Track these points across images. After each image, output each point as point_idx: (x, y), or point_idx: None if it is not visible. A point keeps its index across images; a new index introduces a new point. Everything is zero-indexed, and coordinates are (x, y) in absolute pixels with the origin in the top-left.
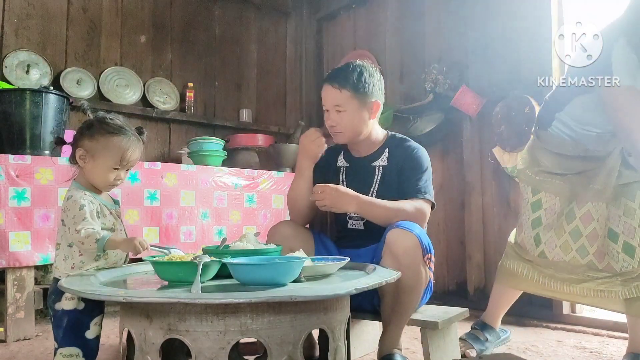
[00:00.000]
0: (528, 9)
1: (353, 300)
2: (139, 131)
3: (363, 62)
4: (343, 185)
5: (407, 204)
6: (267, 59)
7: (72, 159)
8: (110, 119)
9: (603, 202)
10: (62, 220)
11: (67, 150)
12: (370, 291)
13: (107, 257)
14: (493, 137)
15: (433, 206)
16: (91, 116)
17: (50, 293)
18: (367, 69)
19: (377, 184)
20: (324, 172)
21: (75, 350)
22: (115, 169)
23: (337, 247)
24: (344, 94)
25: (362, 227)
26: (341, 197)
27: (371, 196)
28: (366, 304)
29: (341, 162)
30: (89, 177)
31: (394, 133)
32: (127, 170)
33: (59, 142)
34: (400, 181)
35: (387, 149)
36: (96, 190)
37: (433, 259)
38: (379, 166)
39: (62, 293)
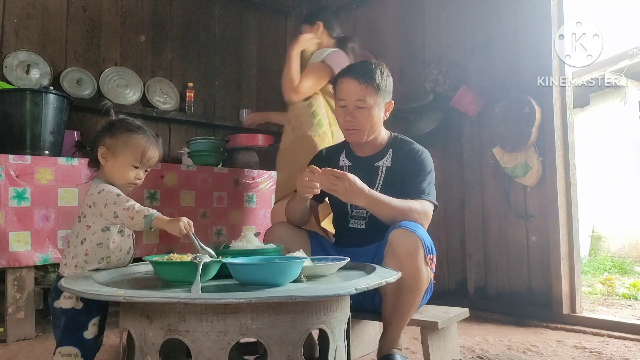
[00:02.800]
0: (528, 9)
1: (353, 300)
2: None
3: (379, 61)
4: None
5: (414, 204)
6: (267, 58)
7: (92, 163)
8: (131, 119)
9: None
10: (79, 217)
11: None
12: (371, 291)
13: (109, 260)
14: (493, 137)
15: (435, 208)
16: (114, 117)
17: (51, 291)
18: (385, 69)
19: (380, 184)
20: None
21: (73, 350)
22: (136, 167)
23: (335, 247)
24: (369, 89)
25: (363, 226)
26: (355, 190)
27: None
28: (367, 304)
29: (344, 161)
30: (110, 175)
31: (397, 134)
32: (145, 170)
33: (80, 146)
34: (404, 183)
35: (390, 150)
36: None
37: (435, 259)
38: (382, 167)
39: (62, 291)
